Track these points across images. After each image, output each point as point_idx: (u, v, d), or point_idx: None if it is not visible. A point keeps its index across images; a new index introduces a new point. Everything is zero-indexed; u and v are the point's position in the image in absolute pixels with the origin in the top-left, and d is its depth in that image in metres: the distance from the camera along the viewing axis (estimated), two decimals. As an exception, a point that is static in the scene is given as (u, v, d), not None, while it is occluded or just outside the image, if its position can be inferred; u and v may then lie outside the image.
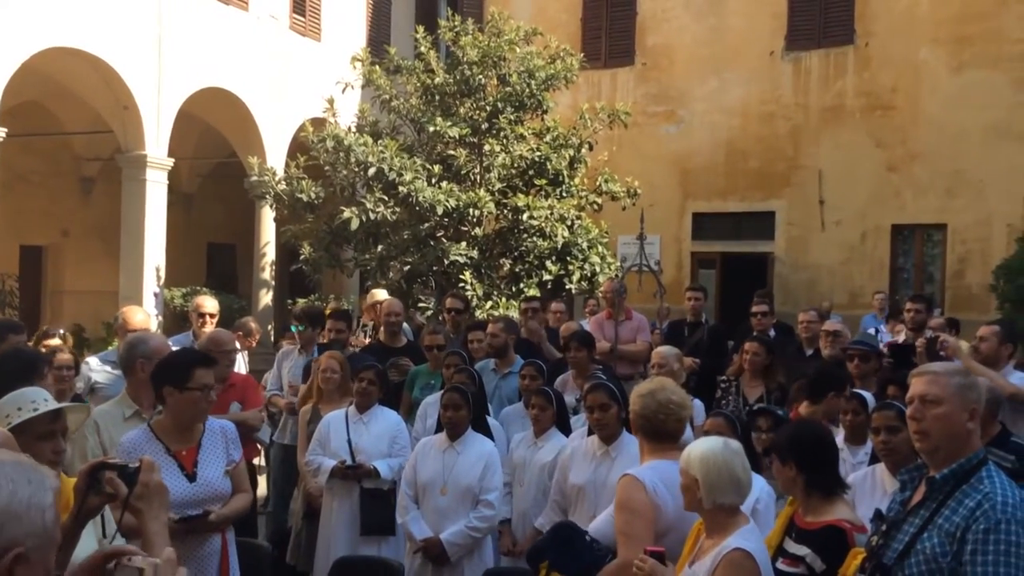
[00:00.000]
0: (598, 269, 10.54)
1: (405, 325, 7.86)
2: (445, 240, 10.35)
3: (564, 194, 10.97)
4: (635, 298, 9.26)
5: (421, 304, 10.33)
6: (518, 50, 11.18)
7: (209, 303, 6.72)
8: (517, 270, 10.61)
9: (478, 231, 10.58)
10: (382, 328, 7.33)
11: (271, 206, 12.11)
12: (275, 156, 13.81)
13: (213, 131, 14.60)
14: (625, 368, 7.37)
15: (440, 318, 8.47)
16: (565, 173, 10.91)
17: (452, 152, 10.67)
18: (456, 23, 11.36)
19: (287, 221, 11.95)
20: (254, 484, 4.86)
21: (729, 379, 6.03)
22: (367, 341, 7.75)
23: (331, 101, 11.29)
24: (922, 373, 2.69)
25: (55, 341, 6.14)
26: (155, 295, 12.36)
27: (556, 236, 10.30)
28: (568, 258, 10.48)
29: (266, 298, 14.17)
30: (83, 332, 14.45)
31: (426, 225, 10.37)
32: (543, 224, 10.30)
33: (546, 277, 10.31)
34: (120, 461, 2.11)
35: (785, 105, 14.90)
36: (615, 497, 3.34)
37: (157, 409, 3.92)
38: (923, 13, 13.87)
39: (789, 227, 14.91)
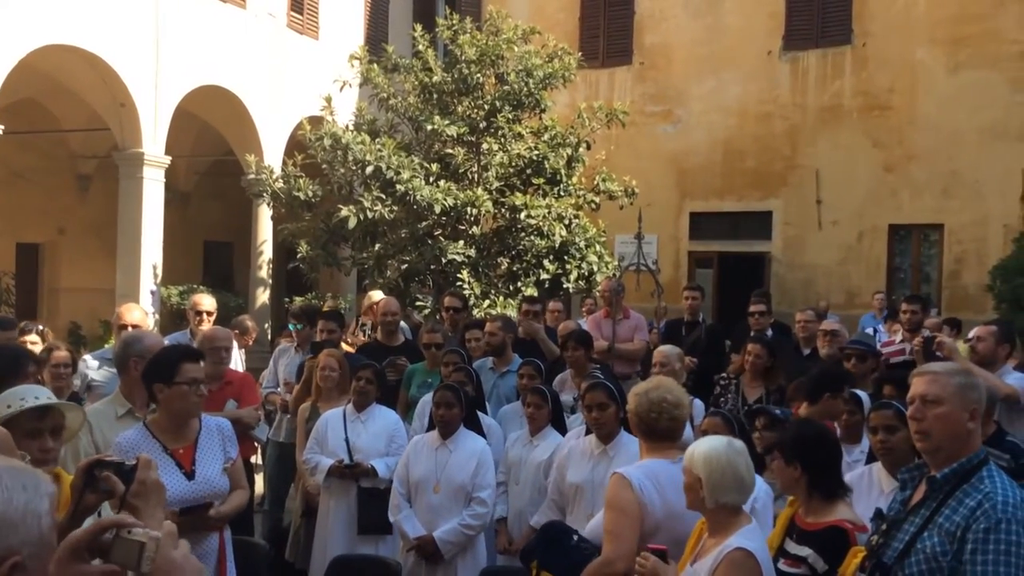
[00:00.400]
0: (595, 268, 10.54)
1: (404, 324, 7.85)
2: (443, 239, 10.34)
3: (562, 193, 10.96)
4: (632, 297, 9.25)
5: (419, 303, 10.32)
6: (516, 49, 11.17)
7: (207, 301, 6.69)
8: (515, 269, 10.60)
9: (476, 230, 10.57)
10: (379, 327, 7.33)
11: (268, 204, 12.10)
12: (272, 154, 13.79)
13: (210, 129, 14.59)
14: (622, 367, 7.37)
15: (438, 317, 8.47)
16: (563, 172, 10.90)
17: (450, 151, 10.66)
18: (454, 22, 11.35)
19: (284, 219, 11.93)
20: (251, 482, 4.85)
21: (729, 377, 6.02)
22: (364, 339, 7.75)
23: (329, 99, 11.27)
24: (923, 373, 2.70)
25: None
26: (152, 293, 12.35)
27: (554, 235, 10.29)
28: (565, 257, 10.47)
29: (263, 296, 14.16)
30: (80, 330, 14.45)
31: (424, 224, 10.37)
32: (541, 223, 10.30)
33: (543, 276, 10.30)
34: (117, 459, 2.11)
35: (782, 105, 14.91)
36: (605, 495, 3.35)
37: (151, 408, 3.92)
38: (920, 13, 13.89)
39: (786, 227, 14.92)
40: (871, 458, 3.98)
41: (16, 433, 2.64)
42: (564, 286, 10.54)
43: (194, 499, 3.56)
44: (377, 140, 10.56)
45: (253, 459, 6.68)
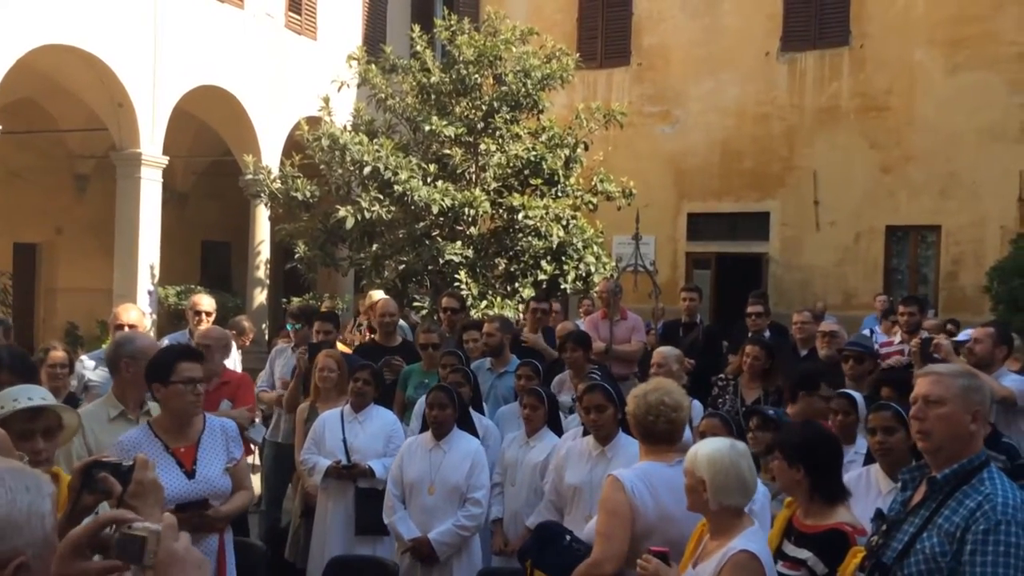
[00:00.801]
0: (593, 269, 10.53)
1: (404, 324, 7.84)
2: (440, 239, 10.33)
3: (559, 194, 10.95)
4: (630, 298, 9.25)
5: (416, 303, 10.31)
6: (514, 50, 11.16)
7: (206, 301, 6.68)
8: (512, 270, 10.59)
9: (473, 230, 10.57)
10: (377, 328, 7.32)
11: (266, 204, 12.09)
12: (270, 154, 13.78)
13: (208, 129, 14.57)
14: (620, 368, 7.36)
15: (436, 317, 8.46)
16: (561, 173, 10.90)
17: (448, 151, 10.65)
18: (452, 22, 11.34)
19: (282, 220, 11.92)
20: (249, 483, 4.84)
21: (727, 378, 6.02)
22: (361, 338, 7.74)
23: (327, 100, 11.27)
24: (927, 373, 2.71)
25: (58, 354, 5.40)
26: (149, 293, 12.33)
27: (551, 236, 10.28)
28: (563, 258, 10.46)
29: (261, 297, 14.14)
30: (77, 330, 14.43)
31: (421, 224, 10.36)
32: (538, 224, 10.28)
33: (541, 277, 10.29)
34: (114, 459, 2.12)
35: (780, 106, 14.93)
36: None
37: (144, 409, 3.91)
38: (918, 15, 13.90)
39: (784, 228, 14.93)
40: (869, 459, 3.99)
41: (9, 434, 2.63)
42: (562, 287, 10.53)
43: (193, 498, 3.56)
44: (375, 140, 10.55)
45: (249, 459, 6.66)
